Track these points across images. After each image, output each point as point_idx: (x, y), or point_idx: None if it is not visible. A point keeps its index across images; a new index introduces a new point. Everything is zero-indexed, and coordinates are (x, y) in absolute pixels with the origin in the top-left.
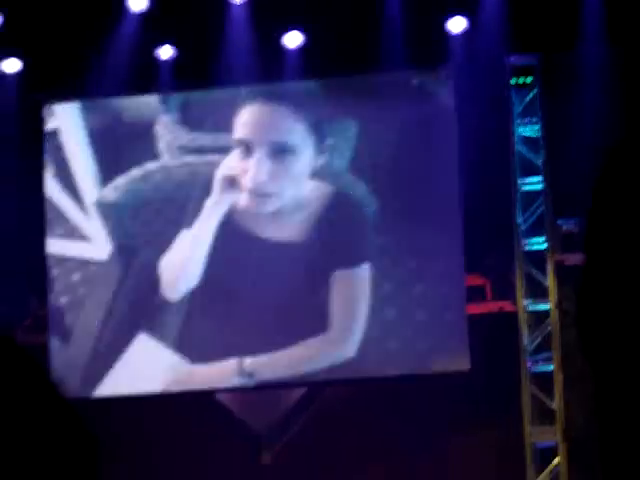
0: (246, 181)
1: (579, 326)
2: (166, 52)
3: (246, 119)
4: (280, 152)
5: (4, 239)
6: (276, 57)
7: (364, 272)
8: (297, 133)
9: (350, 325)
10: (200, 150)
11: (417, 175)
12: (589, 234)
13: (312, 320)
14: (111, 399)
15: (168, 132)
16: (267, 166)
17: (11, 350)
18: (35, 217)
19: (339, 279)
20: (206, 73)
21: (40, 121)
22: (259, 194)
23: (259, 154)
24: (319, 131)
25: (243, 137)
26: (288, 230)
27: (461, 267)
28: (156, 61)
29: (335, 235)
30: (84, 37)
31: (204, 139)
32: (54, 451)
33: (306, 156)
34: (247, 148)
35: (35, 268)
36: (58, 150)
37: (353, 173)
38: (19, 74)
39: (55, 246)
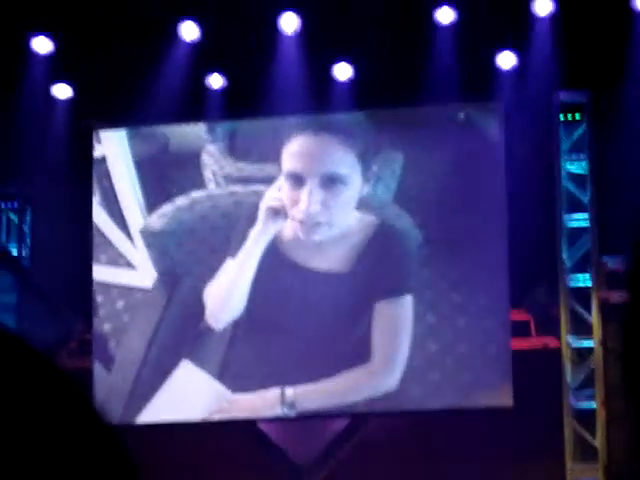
0: (297, 211)
1: (624, 363)
2: (216, 81)
3: (296, 150)
4: (331, 182)
5: (54, 263)
6: (325, 88)
7: (407, 304)
8: (347, 163)
9: (392, 357)
10: (246, 180)
11: (463, 208)
12: (634, 271)
13: (354, 351)
14: (153, 426)
15: (214, 161)
16: (319, 196)
17: (55, 375)
18: (84, 242)
19: (382, 310)
20: (255, 103)
21: (89, 147)
22: (311, 224)
23: (311, 184)
24: (366, 161)
25: (294, 168)
26: (332, 260)
27: (506, 302)
28: (206, 90)
29: (379, 266)
30: (135, 64)
31: (250, 169)
32: (95, 477)
33: (355, 186)
34: (298, 179)
35: (84, 292)
36: (105, 177)
37: (398, 204)
38: (70, 100)
39: (100, 272)
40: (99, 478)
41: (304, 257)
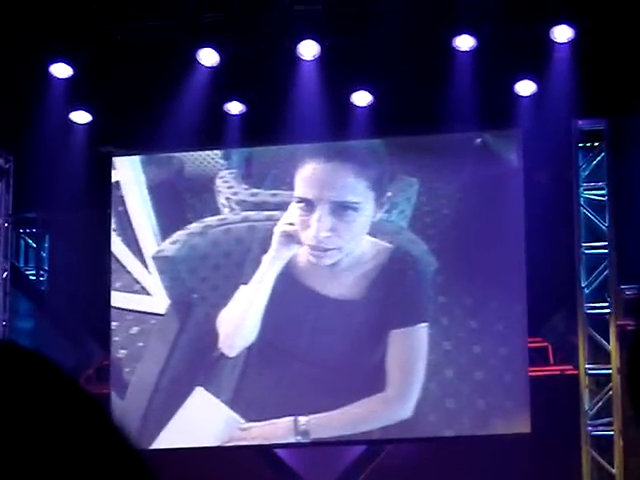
0: (307, 237)
1: (631, 387)
2: (235, 107)
3: (308, 176)
4: (341, 209)
5: (72, 289)
6: (344, 115)
7: (422, 332)
8: (359, 191)
9: (407, 386)
10: (260, 206)
11: (480, 235)
12: None
13: (369, 379)
14: (167, 451)
15: (228, 187)
16: (329, 222)
17: (79, 394)
18: (102, 268)
19: (397, 339)
20: (274, 129)
21: (108, 173)
22: (320, 249)
23: (321, 211)
24: (380, 187)
25: (304, 194)
26: (346, 287)
27: (524, 328)
28: (224, 116)
29: (393, 293)
30: (154, 90)
31: (264, 195)
32: None
33: (367, 212)
34: (308, 204)
35: (101, 319)
36: (119, 202)
37: (413, 231)
38: (89, 126)
39: (116, 298)
40: None
41: (318, 283)
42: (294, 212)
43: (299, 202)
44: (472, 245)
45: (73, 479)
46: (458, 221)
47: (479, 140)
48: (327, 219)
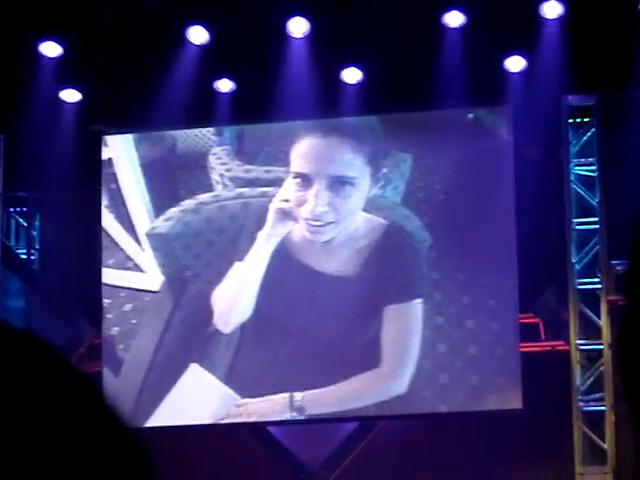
0: (304, 211)
1: (621, 363)
2: (225, 85)
3: (305, 151)
4: (339, 184)
5: (63, 267)
6: (334, 92)
7: (417, 308)
8: (355, 166)
9: (402, 360)
10: (254, 182)
11: (472, 211)
12: (631, 274)
13: (364, 355)
14: (161, 429)
15: (221, 164)
16: (326, 197)
17: (70, 372)
18: (93, 246)
19: (392, 315)
20: (264, 107)
21: (98, 151)
22: (316, 224)
23: (318, 185)
24: (376, 163)
25: (301, 169)
26: (341, 263)
27: (515, 304)
28: (214, 94)
29: (388, 269)
30: (144, 68)
31: (258, 171)
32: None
33: (363, 188)
34: (305, 179)
35: (93, 297)
36: (112, 180)
37: (407, 207)
38: (78, 104)
39: (108, 276)
40: (117, 474)
41: (313, 259)
42: (290, 188)
43: (295, 177)
44: (464, 220)
45: (65, 458)
46: (450, 196)
47: (470, 116)
48: (324, 194)
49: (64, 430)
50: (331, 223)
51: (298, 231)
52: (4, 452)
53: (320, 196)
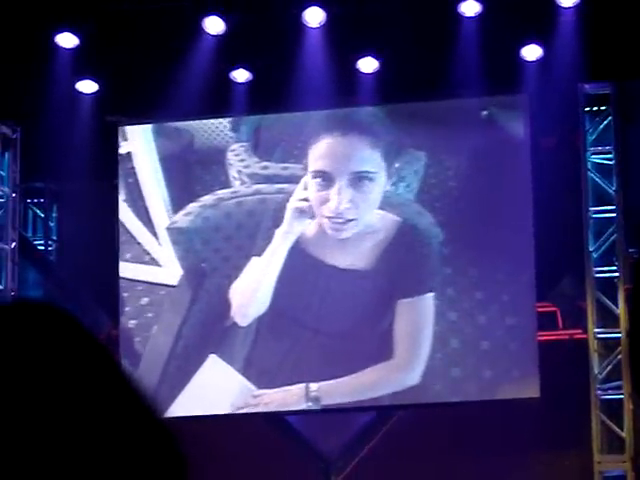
0: (326, 210)
1: (631, 353)
2: (241, 75)
3: (324, 150)
4: (359, 180)
5: (81, 259)
6: (351, 81)
7: (428, 303)
8: (374, 162)
9: (414, 353)
10: (271, 179)
11: (487, 204)
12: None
13: (377, 347)
14: (180, 418)
15: (239, 160)
16: (348, 194)
17: (92, 344)
18: (110, 239)
19: (404, 309)
20: (280, 96)
21: (115, 143)
22: (340, 221)
23: (340, 183)
24: (389, 158)
25: (322, 168)
26: (356, 257)
27: (532, 296)
28: (231, 84)
29: (401, 265)
30: (160, 59)
31: (275, 168)
32: (144, 470)
33: (381, 183)
34: (327, 177)
35: (110, 289)
36: (131, 173)
37: (421, 203)
38: (95, 95)
39: (126, 269)
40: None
41: (328, 254)
42: (310, 187)
43: (316, 177)
44: (479, 215)
45: (86, 424)
46: (464, 192)
47: (485, 112)
48: (347, 191)
49: (83, 396)
50: (353, 220)
51: (314, 227)
52: (26, 419)
53: (343, 193)
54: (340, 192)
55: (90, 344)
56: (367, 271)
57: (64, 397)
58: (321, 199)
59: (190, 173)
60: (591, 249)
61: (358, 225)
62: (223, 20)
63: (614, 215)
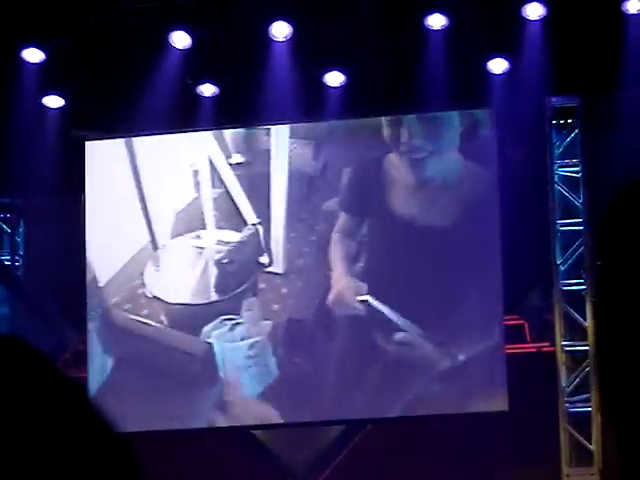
0: None
1: (598, 365)
2: (208, 89)
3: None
4: None
5: (48, 274)
6: (317, 95)
7: None
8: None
9: None
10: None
11: (454, 216)
12: (602, 274)
13: None
14: (148, 433)
15: (212, 169)
16: None
17: (57, 377)
18: (76, 252)
19: None
20: (247, 110)
21: (82, 157)
22: None
23: None
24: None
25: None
26: None
27: (500, 307)
28: (197, 98)
29: None
30: (126, 73)
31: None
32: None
33: None
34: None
35: (78, 303)
36: (98, 187)
37: None
38: (61, 110)
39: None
40: (105, 474)
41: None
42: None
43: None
44: (446, 225)
45: (53, 459)
46: (431, 202)
47: (454, 120)
48: None
49: (51, 432)
50: None
51: None
52: None
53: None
54: None
55: (56, 381)
56: None
57: (26, 437)
58: None
59: (159, 184)
60: (558, 262)
61: None
62: (189, 34)
63: (581, 228)
